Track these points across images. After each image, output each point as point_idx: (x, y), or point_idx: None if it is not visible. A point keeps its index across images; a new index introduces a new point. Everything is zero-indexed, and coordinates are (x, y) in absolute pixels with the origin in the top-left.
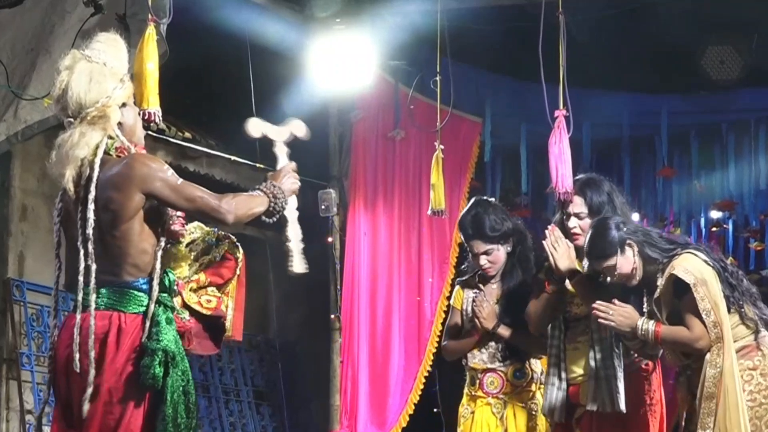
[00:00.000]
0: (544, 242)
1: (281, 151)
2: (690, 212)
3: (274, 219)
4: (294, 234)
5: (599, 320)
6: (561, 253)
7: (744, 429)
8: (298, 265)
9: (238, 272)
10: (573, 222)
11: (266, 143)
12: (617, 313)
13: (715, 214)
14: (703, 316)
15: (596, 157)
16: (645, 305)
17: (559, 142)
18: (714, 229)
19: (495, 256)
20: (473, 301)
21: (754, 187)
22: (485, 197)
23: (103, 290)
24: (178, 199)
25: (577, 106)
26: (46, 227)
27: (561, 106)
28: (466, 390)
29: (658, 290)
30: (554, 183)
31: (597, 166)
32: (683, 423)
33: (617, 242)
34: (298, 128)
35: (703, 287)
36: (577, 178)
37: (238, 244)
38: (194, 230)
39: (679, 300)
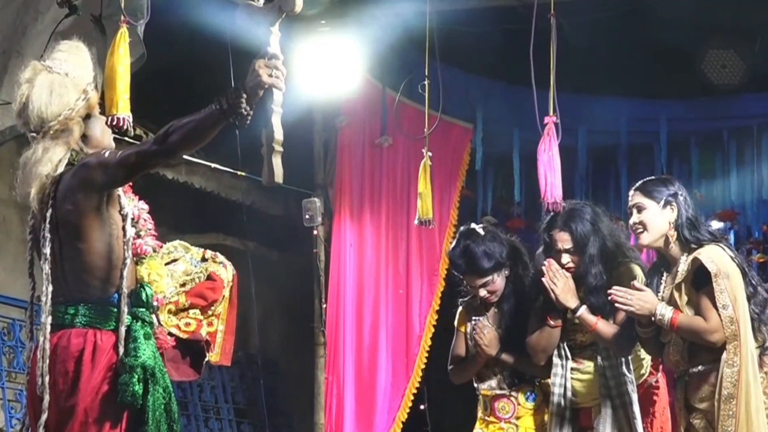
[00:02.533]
0: (542, 279)
1: (274, 38)
2: None
3: (241, 120)
4: (269, 136)
5: (617, 305)
6: (561, 287)
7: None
8: (270, 174)
9: (226, 294)
10: (565, 258)
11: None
12: (636, 298)
13: (716, 225)
14: (720, 310)
15: (593, 165)
16: (662, 289)
17: (548, 149)
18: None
19: (493, 286)
20: (473, 328)
21: (757, 196)
22: (472, 226)
23: (80, 307)
24: (116, 175)
25: (573, 112)
26: (18, 238)
27: (551, 113)
28: (480, 414)
29: (680, 275)
30: (543, 193)
31: (593, 173)
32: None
33: (666, 194)
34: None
35: (725, 280)
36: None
37: (227, 263)
38: (175, 249)
39: (698, 290)
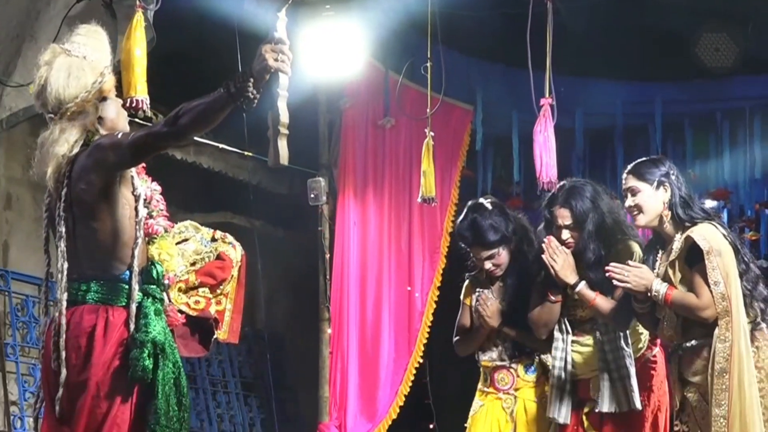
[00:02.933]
0: (542, 256)
1: (280, 23)
2: None
3: (248, 104)
4: (275, 119)
5: (614, 281)
6: (561, 263)
7: (757, 406)
8: (276, 156)
9: (234, 273)
10: (565, 234)
11: (255, 131)
12: (632, 274)
13: (709, 204)
14: (712, 287)
15: (589, 146)
16: (658, 266)
17: (544, 130)
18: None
19: (498, 259)
20: (477, 299)
21: (749, 176)
22: (480, 199)
23: (92, 284)
24: (128, 156)
25: (570, 95)
26: (32, 216)
27: (547, 94)
28: (480, 386)
29: (674, 252)
30: (538, 173)
31: (590, 155)
32: (676, 409)
33: (658, 175)
34: None
35: (717, 257)
36: (560, 186)
37: (236, 244)
38: (186, 229)
39: (691, 267)
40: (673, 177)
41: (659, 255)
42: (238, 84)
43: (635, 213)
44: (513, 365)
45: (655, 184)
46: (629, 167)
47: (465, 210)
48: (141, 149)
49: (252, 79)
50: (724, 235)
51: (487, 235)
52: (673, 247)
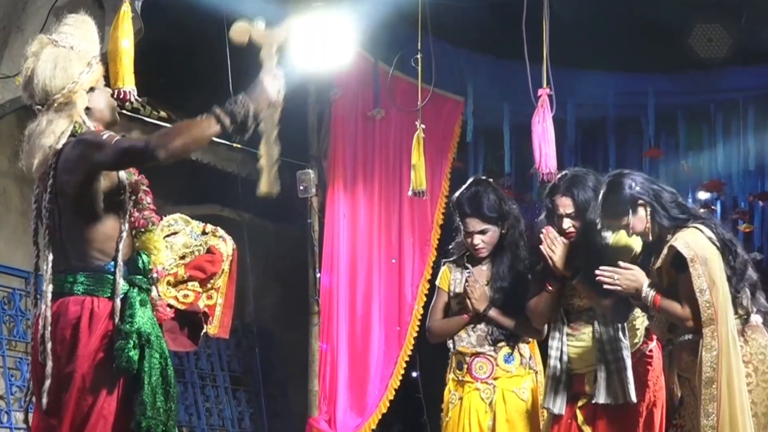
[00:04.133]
0: (540, 247)
1: (269, 58)
2: None
3: (243, 135)
4: (267, 151)
5: (605, 286)
6: (559, 254)
7: (748, 413)
8: (266, 185)
9: (225, 267)
10: (566, 223)
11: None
12: (623, 277)
13: (702, 196)
14: (697, 294)
15: (581, 138)
16: (651, 263)
17: (542, 121)
18: (702, 210)
19: (490, 236)
20: (466, 281)
21: (743, 167)
22: (484, 177)
23: (79, 276)
24: (108, 161)
25: (562, 86)
26: (18, 209)
27: (544, 85)
28: (452, 375)
29: (660, 260)
30: (537, 163)
31: (582, 146)
32: (677, 403)
33: (629, 201)
34: (288, 30)
35: (703, 266)
36: (562, 175)
37: (227, 237)
38: (176, 221)
39: (677, 274)
40: (639, 189)
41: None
42: (237, 116)
43: (647, 239)
44: (492, 353)
45: (631, 208)
46: (599, 213)
47: (468, 182)
48: (123, 159)
49: (252, 112)
50: (709, 238)
51: (488, 207)
52: (661, 254)
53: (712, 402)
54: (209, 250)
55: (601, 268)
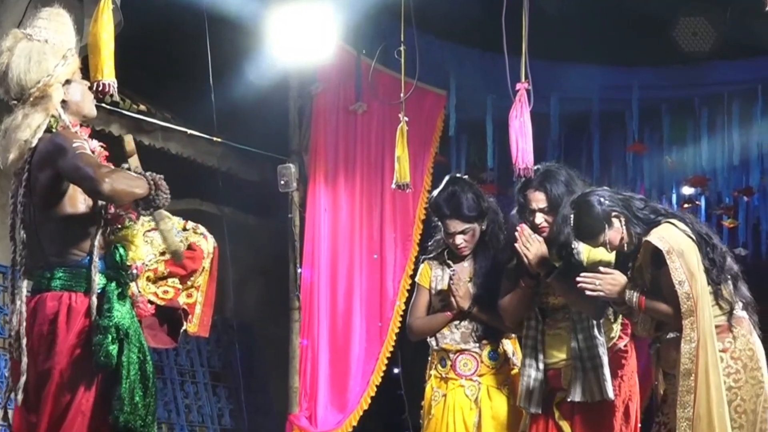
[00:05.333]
0: (515, 245)
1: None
2: (661, 188)
3: (150, 212)
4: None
5: (586, 293)
6: (534, 252)
7: (725, 408)
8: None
9: (206, 265)
10: (539, 218)
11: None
12: (605, 282)
13: (687, 191)
14: (677, 287)
15: (565, 132)
16: (629, 272)
17: (520, 115)
18: (686, 205)
19: (471, 235)
20: (450, 279)
21: (728, 162)
22: (459, 175)
23: (56, 271)
24: (67, 173)
25: (546, 80)
26: None
27: (523, 79)
28: (434, 372)
29: (639, 259)
30: (514, 158)
31: (566, 141)
32: (659, 401)
33: (603, 217)
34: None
35: (680, 257)
36: (534, 170)
37: (208, 235)
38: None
39: (658, 270)
40: (608, 202)
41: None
42: (158, 198)
43: (621, 251)
44: (477, 349)
45: (606, 223)
46: (577, 236)
47: (444, 182)
48: (72, 175)
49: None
50: (683, 230)
51: (466, 208)
52: (639, 254)
53: (689, 393)
54: (190, 247)
55: (582, 274)
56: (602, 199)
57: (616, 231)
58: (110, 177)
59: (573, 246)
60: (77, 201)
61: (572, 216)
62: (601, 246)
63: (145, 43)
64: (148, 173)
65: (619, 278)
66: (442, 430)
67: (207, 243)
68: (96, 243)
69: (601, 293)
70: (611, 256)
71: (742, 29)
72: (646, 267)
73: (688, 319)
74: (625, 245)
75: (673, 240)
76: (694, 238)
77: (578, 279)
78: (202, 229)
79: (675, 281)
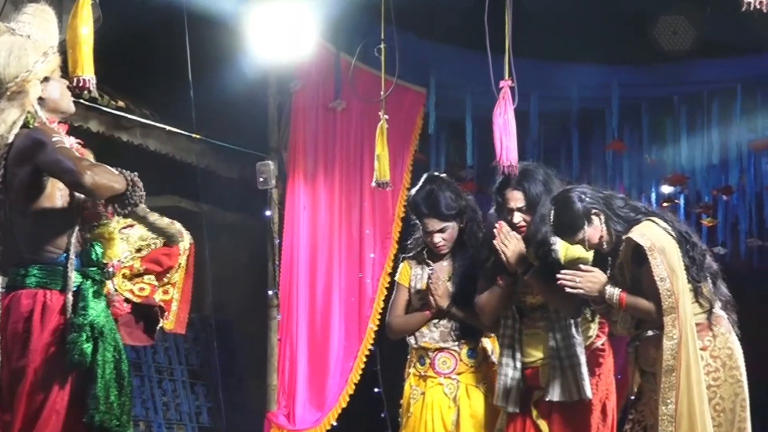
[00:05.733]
0: (494, 242)
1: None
2: (641, 187)
3: (126, 211)
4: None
5: (566, 290)
6: (512, 249)
7: (706, 405)
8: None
9: (182, 262)
10: (517, 217)
11: (203, 113)
12: (585, 279)
13: (666, 189)
14: (658, 283)
15: (544, 131)
16: (609, 271)
17: (504, 113)
18: (665, 204)
19: (449, 233)
20: (429, 278)
21: (707, 161)
22: (436, 173)
23: (31, 268)
24: (47, 167)
25: (525, 78)
26: None
27: (506, 77)
28: (412, 370)
29: (620, 256)
30: (498, 156)
31: (545, 139)
32: (633, 398)
33: (582, 214)
34: None
35: (661, 254)
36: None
37: (184, 231)
38: None
39: (639, 267)
40: (588, 199)
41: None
42: (134, 196)
43: (600, 249)
44: (456, 348)
45: (586, 221)
46: (556, 232)
47: (422, 181)
48: (53, 169)
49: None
50: (664, 228)
51: (444, 206)
52: (620, 251)
53: (671, 390)
54: (166, 244)
55: (561, 271)
56: (583, 196)
57: (595, 229)
58: (92, 170)
59: (551, 242)
60: (55, 198)
61: (552, 212)
62: (578, 243)
63: (124, 39)
64: (125, 171)
65: (599, 276)
66: (420, 428)
67: (183, 240)
68: (73, 240)
69: (581, 291)
70: (589, 255)
71: (722, 28)
72: (627, 265)
73: (670, 316)
74: (605, 243)
75: (655, 237)
76: (674, 235)
77: (558, 276)
78: (178, 225)
79: (656, 278)
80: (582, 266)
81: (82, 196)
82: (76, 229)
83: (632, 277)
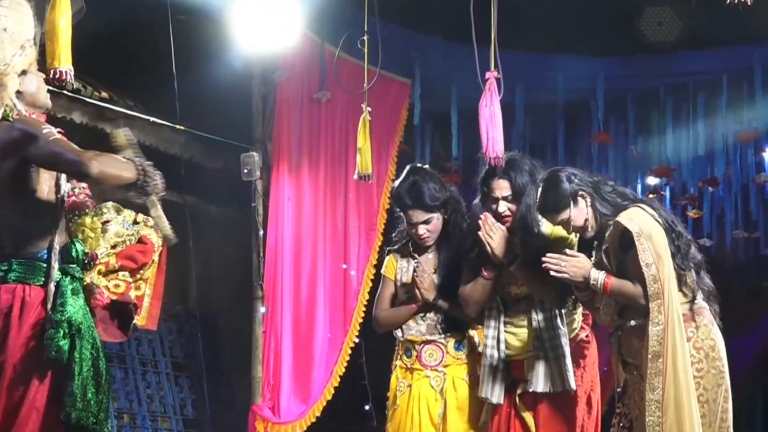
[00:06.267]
0: (479, 233)
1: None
2: (626, 179)
3: (143, 199)
4: (158, 217)
5: (551, 273)
6: (497, 241)
7: (693, 391)
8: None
9: (156, 258)
10: (502, 206)
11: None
12: (570, 264)
13: (652, 181)
14: (644, 269)
15: (530, 123)
16: (594, 257)
17: (490, 105)
18: (651, 196)
19: (434, 225)
20: (414, 271)
21: (693, 153)
22: (420, 164)
23: (11, 263)
24: (38, 157)
25: (511, 69)
26: None
27: (492, 68)
28: (399, 362)
29: (606, 241)
30: (484, 147)
31: (531, 131)
32: (619, 390)
33: (569, 194)
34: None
35: (648, 240)
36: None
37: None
38: (108, 210)
39: (625, 253)
40: (577, 181)
41: (595, 243)
42: (147, 184)
43: (581, 233)
44: (442, 340)
45: (572, 201)
46: (540, 209)
47: (405, 172)
48: (54, 162)
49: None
50: (653, 216)
51: (428, 198)
52: (606, 236)
53: (657, 376)
54: (140, 240)
55: (547, 255)
56: (572, 177)
57: (581, 211)
58: (97, 159)
59: (538, 229)
60: (41, 191)
61: (540, 189)
62: (561, 224)
63: (107, 30)
64: (136, 159)
65: (584, 261)
66: (406, 420)
67: (157, 236)
68: (58, 232)
69: (566, 275)
70: (575, 241)
71: (708, 19)
72: (613, 250)
73: (655, 302)
74: (589, 227)
75: (643, 223)
76: (661, 223)
77: (543, 259)
78: (152, 221)
79: (642, 263)
80: (568, 251)
81: (68, 189)
82: (62, 221)
83: (618, 264)
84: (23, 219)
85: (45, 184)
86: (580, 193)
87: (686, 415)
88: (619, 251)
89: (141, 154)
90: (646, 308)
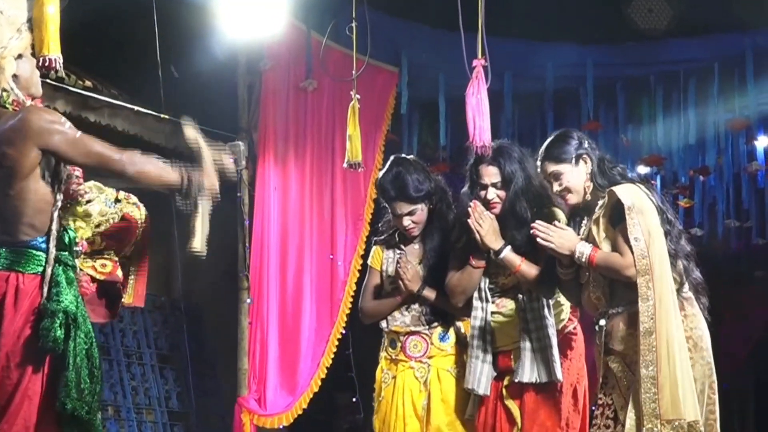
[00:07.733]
0: (468, 221)
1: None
2: None
3: (186, 204)
4: (201, 222)
5: (538, 240)
6: (486, 229)
7: (688, 370)
8: (199, 244)
9: (139, 234)
10: (491, 193)
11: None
12: (558, 235)
13: (642, 170)
14: (632, 243)
15: (519, 110)
16: (582, 231)
17: (477, 93)
18: None
19: (418, 216)
20: (397, 262)
21: (683, 141)
22: (404, 155)
23: (2, 250)
24: (76, 155)
25: (499, 57)
26: None
27: (479, 56)
28: (384, 354)
29: (597, 211)
30: (471, 136)
31: (519, 119)
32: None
33: (574, 151)
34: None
35: (639, 215)
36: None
37: (140, 204)
38: (90, 189)
39: (615, 226)
40: (586, 145)
41: (584, 222)
42: (192, 185)
43: (565, 195)
44: (427, 331)
45: (574, 160)
46: (543, 154)
47: (388, 163)
48: (91, 160)
49: (201, 191)
50: (647, 194)
51: (412, 189)
52: (597, 207)
53: (650, 352)
54: (123, 218)
55: (536, 222)
56: (583, 140)
57: (579, 172)
58: (133, 158)
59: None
60: (41, 178)
61: (549, 139)
62: (553, 176)
63: (91, 18)
64: (182, 168)
65: (571, 235)
66: (391, 412)
67: (140, 212)
68: (55, 220)
69: (552, 245)
70: (562, 216)
71: (699, 7)
72: (604, 219)
73: (644, 278)
74: (577, 193)
75: (637, 198)
76: (655, 203)
77: (533, 225)
78: (134, 198)
79: (631, 237)
80: (557, 223)
81: (65, 176)
82: (58, 208)
83: (606, 236)
84: (17, 206)
85: (43, 171)
86: (584, 156)
87: (680, 396)
88: (608, 224)
89: (202, 151)
90: (632, 281)
